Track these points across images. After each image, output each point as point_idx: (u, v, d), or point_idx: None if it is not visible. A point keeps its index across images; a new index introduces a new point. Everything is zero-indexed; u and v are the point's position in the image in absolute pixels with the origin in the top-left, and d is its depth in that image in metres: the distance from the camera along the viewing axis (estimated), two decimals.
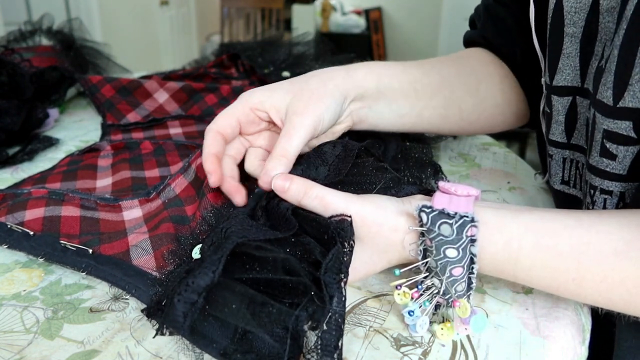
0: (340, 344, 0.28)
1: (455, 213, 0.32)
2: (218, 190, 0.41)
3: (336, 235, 0.32)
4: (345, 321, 0.35)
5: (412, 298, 0.34)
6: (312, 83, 0.42)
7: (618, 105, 0.35)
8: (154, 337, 0.32)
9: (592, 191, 0.39)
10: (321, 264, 0.31)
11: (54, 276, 0.39)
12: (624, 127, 0.35)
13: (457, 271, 0.33)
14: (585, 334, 0.36)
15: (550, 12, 0.41)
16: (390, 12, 4.03)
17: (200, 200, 0.43)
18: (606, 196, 0.38)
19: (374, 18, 3.94)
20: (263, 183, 0.38)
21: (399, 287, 0.34)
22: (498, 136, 0.75)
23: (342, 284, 0.30)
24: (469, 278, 0.33)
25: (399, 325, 0.34)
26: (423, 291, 0.34)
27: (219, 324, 0.30)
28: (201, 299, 0.29)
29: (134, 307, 0.35)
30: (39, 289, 0.37)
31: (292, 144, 0.39)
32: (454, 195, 0.34)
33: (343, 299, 0.30)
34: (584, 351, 0.35)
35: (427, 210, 0.32)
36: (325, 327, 0.28)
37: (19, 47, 0.82)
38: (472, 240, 0.32)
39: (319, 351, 0.28)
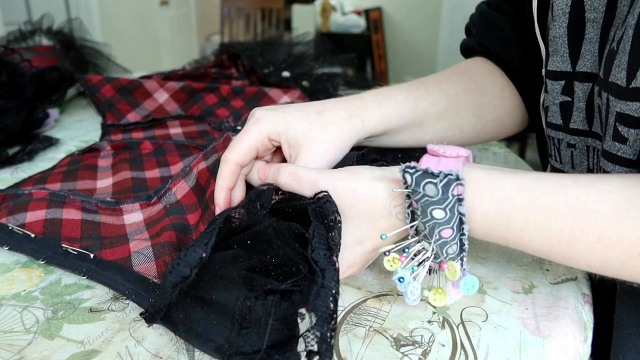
0: (335, 315, 0.28)
1: (440, 172, 0.31)
2: None
3: (313, 215, 0.32)
4: (345, 321, 0.35)
5: (400, 263, 0.33)
6: (330, 134, 0.41)
7: (631, 86, 0.34)
8: (140, 315, 0.32)
9: None
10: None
11: (54, 276, 0.39)
12: (636, 108, 0.34)
13: (447, 233, 0.32)
14: (587, 332, 0.36)
15: (569, 1, 0.41)
16: (390, 12, 4.03)
17: (203, 212, 0.43)
18: None
19: (374, 18, 3.93)
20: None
21: (387, 253, 0.34)
22: None
23: (335, 257, 0.30)
24: (461, 240, 0.33)
25: (399, 325, 0.34)
26: (413, 256, 0.33)
27: (215, 321, 0.30)
28: (193, 273, 0.29)
29: (133, 307, 0.35)
30: (39, 289, 0.37)
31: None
32: (443, 156, 0.34)
33: (335, 271, 0.29)
34: (586, 349, 0.35)
35: (411, 171, 0.31)
36: (320, 302, 0.28)
37: (19, 47, 0.82)
38: (460, 200, 0.31)
39: (315, 325, 0.27)
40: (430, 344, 0.33)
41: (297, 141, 0.41)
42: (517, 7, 0.51)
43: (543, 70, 0.46)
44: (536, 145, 0.57)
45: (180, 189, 0.48)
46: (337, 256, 0.30)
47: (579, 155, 0.45)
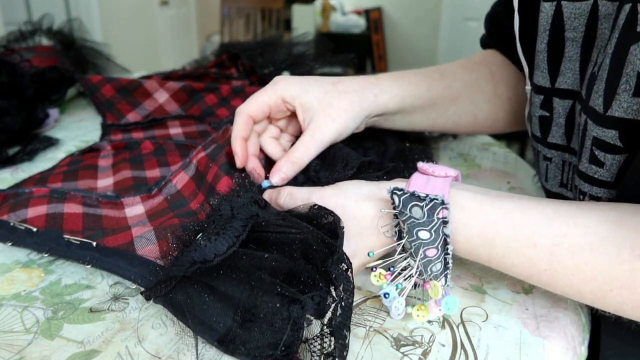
0: (349, 330, 0.29)
1: (426, 195, 0.32)
2: (225, 183, 0.43)
3: (337, 228, 0.33)
4: None
5: (386, 280, 0.34)
6: (343, 101, 0.44)
7: (607, 114, 0.35)
8: (141, 293, 0.33)
9: (581, 197, 0.39)
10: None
11: (54, 276, 0.39)
12: (611, 135, 0.35)
13: (431, 252, 0.33)
14: (586, 334, 0.36)
15: (549, 18, 0.42)
16: (390, 12, 4.03)
17: (206, 196, 0.44)
18: None
19: (374, 18, 3.93)
20: (273, 179, 0.43)
21: (374, 269, 0.35)
22: (498, 136, 0.75)
23: (350, 273, 0.31)
24: (445, 258, 0.34)
25: (399, 325, 0.35)
26: (398, 273, 0.34)
27: (218, 310, 0.30)
28: (216, 261, 0.30)
29: (134, 307, 0.35)
30: (39, 289, 0.37)
31: (309, 155, 0.43)
32: (432, 175, 0.35)
33: (351, 287, 0.30)
34: (583, 351, 0.35)
35: (399, 193, 0.32)
36: (338, 316, 0.29)
37: (19, 47, 0.82)
38: (444, 222, 0.32)
39: (329, 337, 0.28)
40: (430, 344, 0.33)
41: (310, 105, 0.44)
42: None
43: (528, 82, 0.47)
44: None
45: (180, 180, 0.48)
46: (351, 271, 0.31)
47: (554, 169, 0.46)
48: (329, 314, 0.30)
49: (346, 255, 0.32)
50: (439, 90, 0.50)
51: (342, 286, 0.30)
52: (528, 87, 0.47)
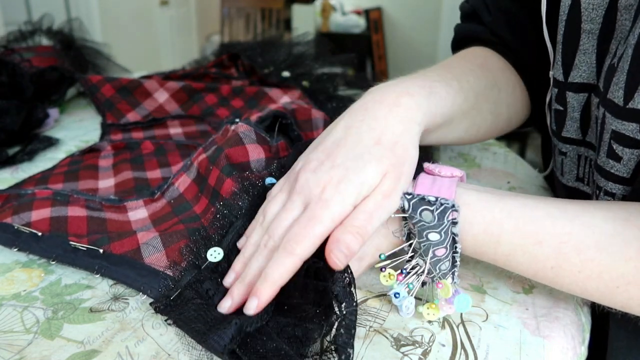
0: (352, 348, 0.29)
1: (436, 199, 0.32)
2: (228, 186, 0.42)
3: None
4: None
5: (397, 280, 0.34)
6: (411, 155, 0.35)
7: (628, 106, 0.34)
8: (151, 304, 0.33)
9: (597, 191, 0.39)
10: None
11: (54, 276, 0.39)
12: (631, 129, 0.34)
13: (441, 252, 0.33)
14: (585, 334, 0.36)
15: (566, 9, 0.41)
16: (390, 12, 4.02)
17: (209, 200, 0.44)
18: (609, 198, 0.38)
19: (374, 18, 3.93)
20: (337, 257, 0.31)
21: (383, 269, 0.35)
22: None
23: (352, 289, 0.31)
24: (453, 257, 0.34)
25: (399, 325, 0.34)
26: (408, 272, 0.35)
27: (225, 327, 0.30)
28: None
29: (134, 307, 0.35)
30: (39, 289, 0.37)
31: (373, 225, 0.33)
32: (438, 176, 0.35)
33: (354, 304, 0.30)
34: (583, 351, 0.35)
35: (408, 197, 0.32)
36: (342, 332, 0.29)
37: (19, 47, 0.82)
38: (454, 223, 0.32)
39: (332, 353, 0.29)
40: (430, 344, 0.33)
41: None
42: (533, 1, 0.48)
43: (550, 72, 0.46)
44: (538, 144, 0.57)
45: (183, 183, 0.48)
46: (354, 287, 0.31)
47: (569, 164, 0.45)
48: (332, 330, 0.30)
49: (350, 270, 0.31)
50: (459, 103, 0.42)
51: (344, 304, 0.30)
52: (552, 73, 0.45)
